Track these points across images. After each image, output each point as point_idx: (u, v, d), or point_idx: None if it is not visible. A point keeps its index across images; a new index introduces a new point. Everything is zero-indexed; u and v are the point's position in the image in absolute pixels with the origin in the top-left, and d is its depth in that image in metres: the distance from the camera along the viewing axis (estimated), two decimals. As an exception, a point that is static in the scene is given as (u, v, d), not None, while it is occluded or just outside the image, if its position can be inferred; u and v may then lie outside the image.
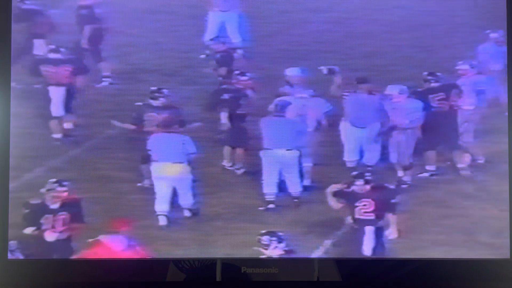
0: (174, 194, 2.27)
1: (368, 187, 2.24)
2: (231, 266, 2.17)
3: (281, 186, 2.28)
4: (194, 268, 2.18)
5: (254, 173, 2.27)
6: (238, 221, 2.21)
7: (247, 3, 2.29)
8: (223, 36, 2.34)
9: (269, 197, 2.26)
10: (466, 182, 2.27)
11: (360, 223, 2.23)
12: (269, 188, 2.27)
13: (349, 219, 2.23)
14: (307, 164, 2.29)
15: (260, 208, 2.24)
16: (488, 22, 2.27)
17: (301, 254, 2.19)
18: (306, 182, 2.28)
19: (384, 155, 2.30)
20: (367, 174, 2.24)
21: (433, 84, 2.32)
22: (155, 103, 2.29)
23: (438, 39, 2.29)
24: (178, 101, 2.28)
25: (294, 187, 2.28)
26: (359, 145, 2.31)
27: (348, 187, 2.23)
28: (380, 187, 2.24)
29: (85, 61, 2.31)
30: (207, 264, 2.18)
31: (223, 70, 2.35)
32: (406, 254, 2.20)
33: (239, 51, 2.34)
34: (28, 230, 2.17)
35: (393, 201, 2.23)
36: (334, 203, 2.22)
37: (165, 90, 2.28)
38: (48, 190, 2.19)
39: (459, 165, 2.31)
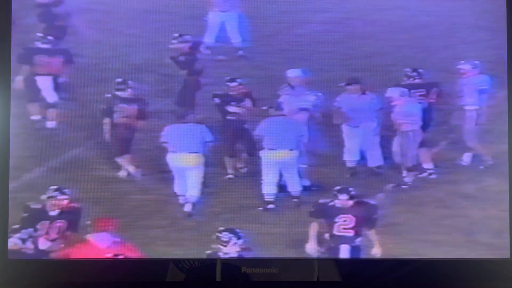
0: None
1: (351, 202, 2.22)
2: (231, 266, 2.17)
3: (281, 186, 2.28)
4: (194, 268, 2.19)
5: (254, 173, 2.27)
6: (237, 221, 2.21)
7: (247, 3, 2.30)
8: (189, 34, 2.31)
9: (268, 197, 2.25)
10: (466, 182, 2.27)
11: (337, 240, 2.21)
12: (269, 188, 2.26)
13: (326, 236, 2.21)
14: (306, 164, 2.28)
15: (260, 208, 2.24)
16: (488, 22, 2.27)
17: (258, 253, 2.19)
18: (306, 182, 2.28)
19: (385, 155, 2.30)
20: (350, 188, 2.22)
21: (417, 80, 2.31)
22: (123, 94, 2.28)
23: (438, 40, 2.29)
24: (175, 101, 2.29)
25: (294, 187, 2.28)
26: (358, 145, 2.31)
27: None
28: (364, 203, 2.21)
29: (78, 59, 2.30)
30: (207, 264, 2.18)
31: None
32: (406, 254, 2.20)
33: (205, 50, 2.32)
34: (24, 234, 2.17)
35: (375, 216, 2.21)
36: (313, 228, 2.20)
37: (130, 82, 2.27)
38: (49, 197, 2.19)
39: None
